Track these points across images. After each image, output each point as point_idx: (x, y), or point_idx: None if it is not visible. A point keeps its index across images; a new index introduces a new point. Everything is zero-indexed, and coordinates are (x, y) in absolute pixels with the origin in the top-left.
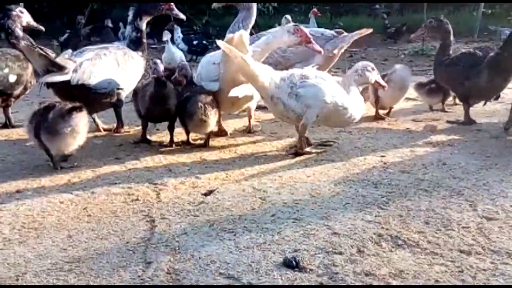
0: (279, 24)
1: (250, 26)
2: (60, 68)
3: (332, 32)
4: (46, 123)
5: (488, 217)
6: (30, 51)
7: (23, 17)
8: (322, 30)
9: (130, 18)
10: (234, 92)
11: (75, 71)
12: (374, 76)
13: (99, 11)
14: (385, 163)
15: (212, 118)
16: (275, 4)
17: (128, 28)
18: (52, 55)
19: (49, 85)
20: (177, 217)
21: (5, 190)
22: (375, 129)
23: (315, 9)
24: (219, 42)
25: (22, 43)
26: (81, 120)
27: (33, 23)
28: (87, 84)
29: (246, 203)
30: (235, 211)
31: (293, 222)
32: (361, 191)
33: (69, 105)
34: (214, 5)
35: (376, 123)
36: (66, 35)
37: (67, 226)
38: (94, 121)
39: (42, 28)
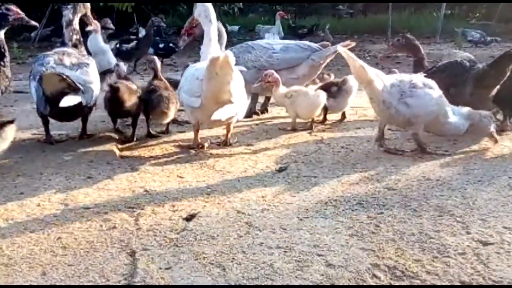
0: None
1: (225, 43)
2: (74, 90)
3: (317, 45)
4: None
5: (483, 241)
6: (52, 78)
7: (10, 15)
8: (308, 42)
9: (67, 20)
10: (217, 115)
11: (82, 92)
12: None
13: (60, 11)
14: (368, 179)
15: (172, 110)
16: (240, 5)
17: (68, 33)
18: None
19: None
20: (159, 247)
21: None
22: (353, 139)
23: (281, 12)
24: (339, 48)
25: (47, 71)
26: (11, 131)
27: (24, 19)
28: (89, 103)
29: (232, 230)
30: (221, 240)
31: (284, 251)
32: (350, 213)
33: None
34: (181, 44)
35: (353, 132)
36: (134, 43)
37: (41, 261)
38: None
39: (36, 23)
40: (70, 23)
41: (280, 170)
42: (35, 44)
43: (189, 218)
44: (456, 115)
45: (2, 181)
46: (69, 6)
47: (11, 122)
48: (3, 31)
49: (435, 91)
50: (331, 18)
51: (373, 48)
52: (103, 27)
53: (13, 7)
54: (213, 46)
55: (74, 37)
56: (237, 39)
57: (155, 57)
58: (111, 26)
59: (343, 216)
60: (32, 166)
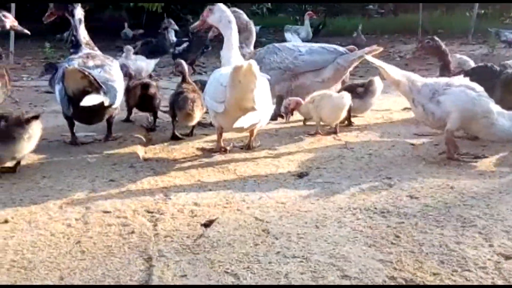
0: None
1: (253, 42)
2: (96, 89)
3: (344, 48)
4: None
5: (506, 255)
6: (74, 74)
7: (6, 21)
8: (335, 46)
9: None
10: (240, 123)
11: (105, 92)
12: None
13: (92, 11)
14: (390, 186)
15: (197, 113)
16: (269, 5)
17: (83, 31)
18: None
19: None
20: (175, 254)
21: None
22: (378, 144)
23: (310, 12)
24: (368, 57)
25: (70, 67)
26: (37, 127)
27: (17, 27)
28: (113, 104)
29: (249, 237)
30: (237, 247)
31: (300, 261)
32: (369, 222)
33: (26, 114)
34: (210, 34)
35: (378, 137)
36: (185, 44)
37: (59, 265)
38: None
39: (27, 31)
40: (81, 21)
41: (301, 176)
42: (67, 45)
43: (207, 224)
44: (506, 118)
45: (28, 182)
46: (78, 5)
47: (36, 117)
48: None
49: (475, 91)
50: (361, 17)
51: (403, 48)
52: (166, 28)
53: (9, 15)
54: (234, 50)
55: (86, 33)
56: (265, 39)
57: (182, 61)
58: (175, 27)
59: (362, 225)
60: (57, 167)
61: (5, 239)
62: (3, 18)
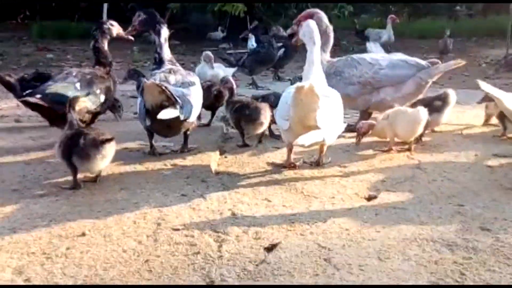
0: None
1: (330, 47)
2: (173, 104)
3: (426, 62)
4: (77, 148)
5: None
6: (153, 88)
7: (113, 29)
8: (416, 59)
9: (166, 37)
10: (301, 141)
11: (181, 107)
12: None
13: (178, 15)
14: (462, 215)
15: (265, 121)
16: (351, 8)
17: (166, 50)
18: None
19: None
20: (237, 279)
21: (71, 232)
22: (452, 165)
23: (392, 15)
24: (482, 85)
25: (149, 81)
26: (111, 149)
27: (123, 34)
28: (188, 118)
29: (309, 266)
30: (296, 277)
31: None
32: (435, 255)
33: (102, 135)
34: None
35: (454, 157)
36: (282, 51)
37: (127, 284)
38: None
39: (132, 38)
40: (166, 40)
41: (369, 199)
42: (153, 47)
43: (270, 248)
44: None
45: (106, 193)
46: (165, 25)
47: (111, 140)
48: (106, 41)
49: None
50: (447, 19)
51: (490, 53)
52: (275, 35)
53: (115, 23)
54: (315, 67)
55: (169, 52)
56: (346, 42)
57: (230, 78)
58: (284, 33)
59: (427, 258)
60: (135, 179)
61: (81, 253)
62: (110, 26)
